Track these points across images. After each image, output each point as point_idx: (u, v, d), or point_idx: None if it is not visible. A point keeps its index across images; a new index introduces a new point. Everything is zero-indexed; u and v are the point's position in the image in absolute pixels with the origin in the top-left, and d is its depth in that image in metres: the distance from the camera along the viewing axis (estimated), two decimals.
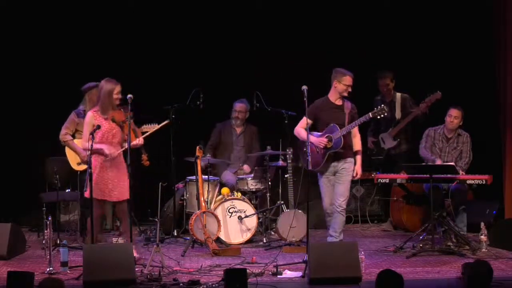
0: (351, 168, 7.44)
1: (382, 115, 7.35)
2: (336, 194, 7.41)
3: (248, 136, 8.97)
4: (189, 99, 8.55)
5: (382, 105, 7.37)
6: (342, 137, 7.29)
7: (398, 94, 9.07)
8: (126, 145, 7.15)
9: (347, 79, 7.42)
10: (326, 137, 7.37)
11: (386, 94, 9.10)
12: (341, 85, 7.41)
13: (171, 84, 9.33)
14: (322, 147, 7.35)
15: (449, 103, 8.24)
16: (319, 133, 7.45)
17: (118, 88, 7.24)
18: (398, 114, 9.03)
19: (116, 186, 7.25)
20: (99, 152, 7.17)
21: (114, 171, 7.25)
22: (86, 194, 7.10)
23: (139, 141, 7.33)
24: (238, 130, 8.96)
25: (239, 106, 8.87)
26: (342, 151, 7.36)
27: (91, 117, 7.23)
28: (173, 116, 8.49)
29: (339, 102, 7.48)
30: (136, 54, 9.41)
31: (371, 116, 7.33)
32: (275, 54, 9.35)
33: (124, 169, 7.17)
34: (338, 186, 7.41)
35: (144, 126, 7.73)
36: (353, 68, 9.43)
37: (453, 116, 8.06)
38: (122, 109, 7.30)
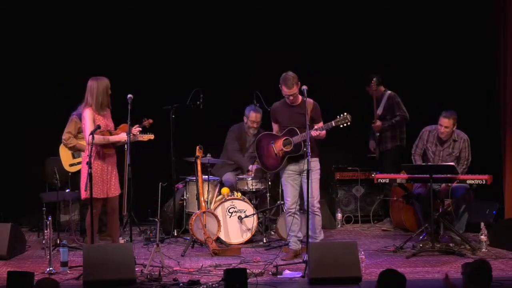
0: (317, 167, 7.36)
1: (345, 124, 7.15)
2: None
3: None
4: (189, 99, 8.56)
5: (345, 114, 7.15)
6: (302, 141, 7.21)
7: (388, 92, 9.18)
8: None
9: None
10: (285, 140, 7.35)
11: (375, 94, 9.17)
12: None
13: (171, 84, 9.32)
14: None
15: (443, 104, 8.16)
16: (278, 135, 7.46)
17: (109, 84, 7.31)
18: (380, 111, 9.14)
19: (110, 181, 7.30)
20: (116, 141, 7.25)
21: (109, 167, 7.30)
22: (84, 195, 7.14)
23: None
24: (252, 135, 8.86)
25: (255, 116, 8.66)
26: (304, 153, 7.24)
27: (91, 113, 7.21)
28: (173, 116, 8.50)
29: (296, 102, 7.38)
30: (136, 54, 9.41)
31: (333, 124, 7.17)
32: (275, 54, 9.34)
33: (115, 164, 7.31)
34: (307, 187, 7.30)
35: (139, 134, 7.86)
36: (353, 67, 9.50)
37: (444, 126, 7.91)
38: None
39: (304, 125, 7.13)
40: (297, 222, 7.44)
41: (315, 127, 7.25)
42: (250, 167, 8.65)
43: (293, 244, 7.48)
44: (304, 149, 7.16)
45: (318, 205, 7.39)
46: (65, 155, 8.30)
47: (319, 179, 7.42)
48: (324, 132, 7.27)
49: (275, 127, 7.56)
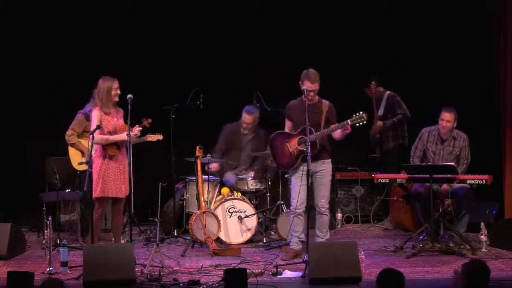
0: (329, 169, 7.41)
1: (361, 123, 7.13)
2: (318, 196, 7.35)
3: (256, 141, 8.85)
4: (189, 99, 8.56)
5: (361, 112, 7.12)
6: (317, 140, 7.20)
7: (387, 92, 9.18)
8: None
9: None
10: (300, 138, 7.34)
11: (375, 95, 9.18)
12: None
13: (171, 84, 9.33)
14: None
15: (442, 104, 8.13)
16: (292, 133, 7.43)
17: (116, 84, 7.37)
18: (380, 111, 9.14)
19: (123, 181, 7.35)
20: (117, 141, 7.28)
21: (120, 167, 7.35)
22: (96, 194, 7.21)
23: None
24: (248, 135, 8.86)
25: (247, 118, 8.68)
26: (317, 153, 7.26)
27: (98, 113, 7.31)
28: (173, 116, 8.50)
29: (313, 101, 7.35)
30: (136, 54, 9.41)
31: (349, 123, 7.14)
32: (275, 54, 9.34)
33: (126, 165, 7.29)
34: (318, 188, 7.34)
35: (148, 135, 7.99)
36: (353, 68, 9.50)
37: (445, 120, 7.91)
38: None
39: (318, 124, 7.19)
40: (301, 223, 7.44)
41: (331, 127, 7.25)
42: (211, 165, 8.58)
43: (294, 244, 7.47)
44: (318, 148, 7.21)
45: (327, 206, 7.43)
46: (74, 153, 8.27)
47: (330, 181, 7.46)
48: (339, 131, 7.26)
49: (288, 124, 7.53)
